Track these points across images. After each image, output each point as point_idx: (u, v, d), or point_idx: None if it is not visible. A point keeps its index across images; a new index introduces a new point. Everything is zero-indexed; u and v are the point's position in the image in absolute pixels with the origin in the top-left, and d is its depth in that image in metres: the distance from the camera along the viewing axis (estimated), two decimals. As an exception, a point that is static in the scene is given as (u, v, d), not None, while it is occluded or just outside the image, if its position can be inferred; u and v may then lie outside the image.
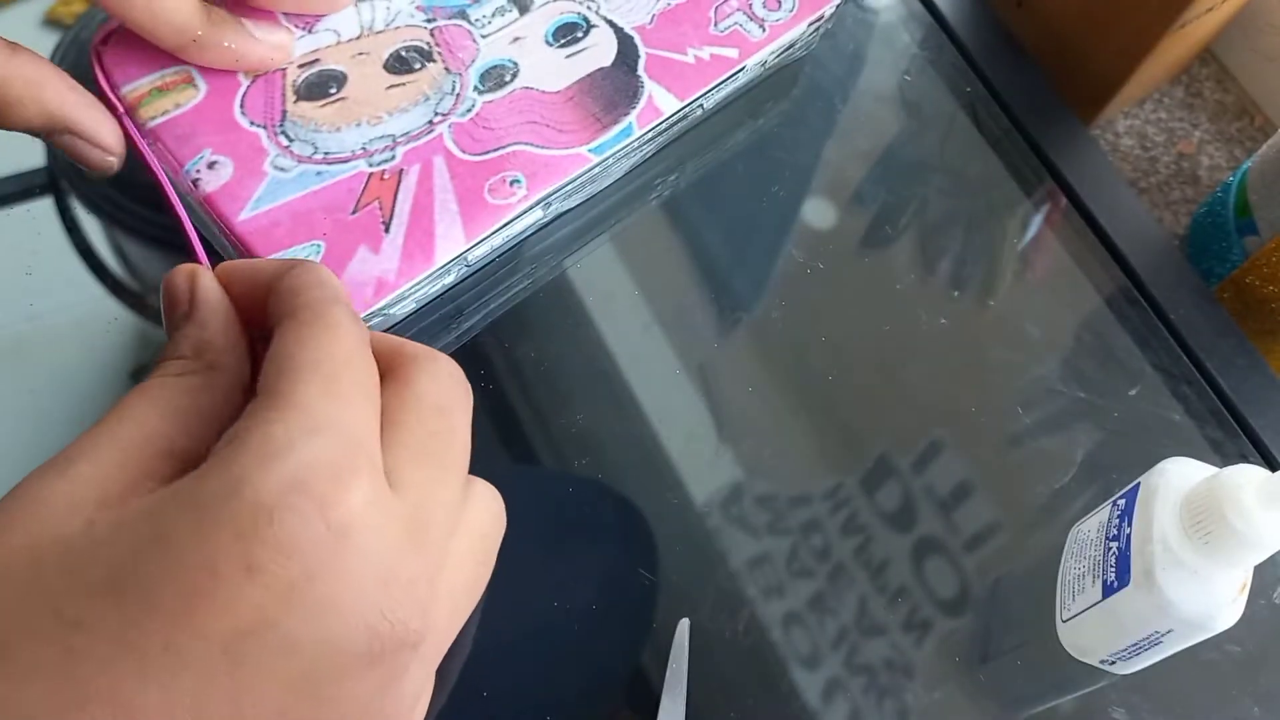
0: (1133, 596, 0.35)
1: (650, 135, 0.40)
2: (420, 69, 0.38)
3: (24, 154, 0.43)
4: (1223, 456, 0.45)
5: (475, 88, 0.38)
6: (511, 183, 0.37)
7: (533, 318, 0.43)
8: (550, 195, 0.38)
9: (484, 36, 0.39)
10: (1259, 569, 0.35)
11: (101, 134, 0.33)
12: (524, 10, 0.40)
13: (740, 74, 0.42)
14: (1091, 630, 0.38)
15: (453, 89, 0.38)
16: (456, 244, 0.36)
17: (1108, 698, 0.40)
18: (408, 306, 0.37)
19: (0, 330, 0.40)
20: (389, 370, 0.26)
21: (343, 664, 0.22)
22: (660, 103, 0.40)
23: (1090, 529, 0.39)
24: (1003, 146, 0.50)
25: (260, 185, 0.35)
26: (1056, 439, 0.44)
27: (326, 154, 0.36)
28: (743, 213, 0.46)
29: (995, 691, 0.40)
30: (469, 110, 0.38)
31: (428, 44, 0.39)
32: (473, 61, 0.39)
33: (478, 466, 0.28)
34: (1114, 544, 0.37)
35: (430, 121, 0.37)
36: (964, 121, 0.50)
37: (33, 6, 0.46)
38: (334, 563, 0.22)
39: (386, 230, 0.35)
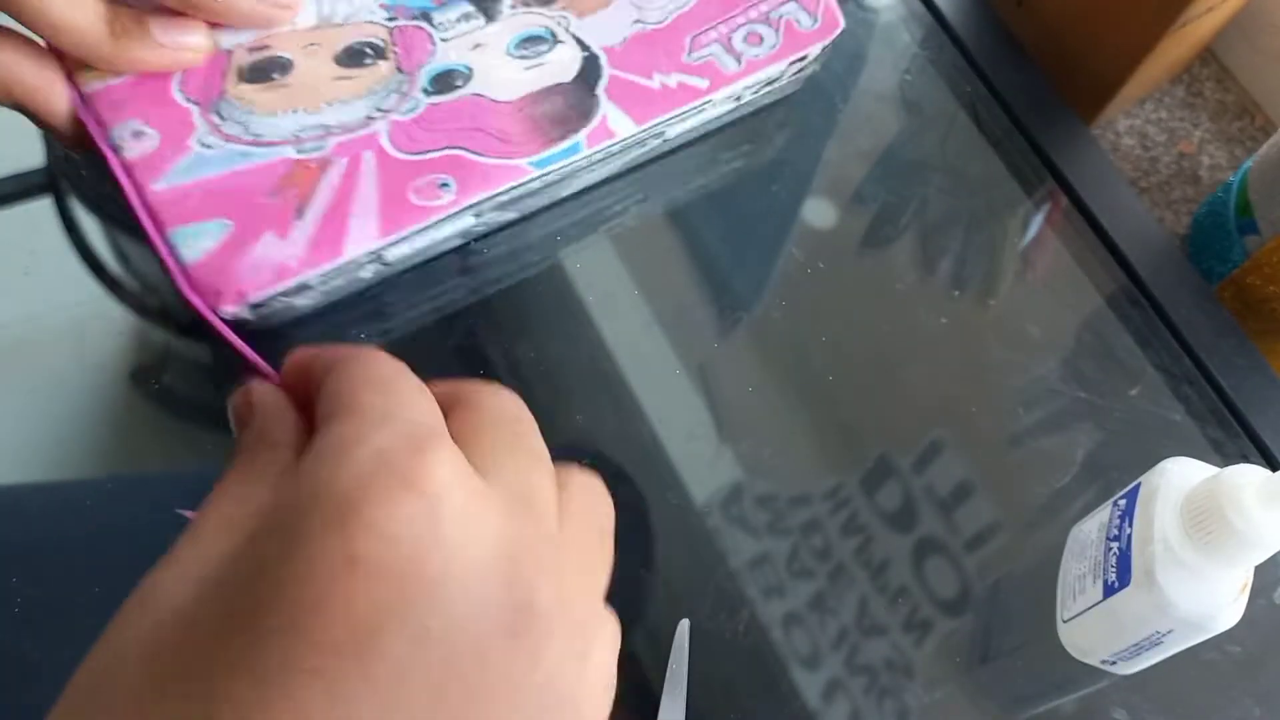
0: (1133, 596, 0.35)
1: (601, 156, 0.40)
2: (371, 65, 0.38)
3: (24, 154, 0.43)
4: (1223, 456, 0.45)
5: (424, 89, 0.38)
6: (440, 186, 0.37)
7: (533, 318, 0.43)
8: (480, 204, 0.38)
9: (444, 40, 0.39)
10: (1259, 569, 0.35)
11: (52, 106, 0.34)
12: (491, 18, 0.39)
13: (707, 106, 0.41)
14: (1092, 630, 0.38)
15: (399, 87, 0.38)
16: (368, 240, 0.36)
17: (1108, 698, 0.40)
18: (313, 298, 0.37)
19: (0, 330, 0.40)
20: (454, 405, 0.25)
21: (482, 644, 0.21)
22: (615, 124, 0.39)
23: (1091, 529, 0.39)
24: (1003, 146, 0.50)
25: (182, 159, 0.35)
26: (1056, 439, 0.44)
27: (256, 136, 0.36)
28: (743, 213, 0.46)
29: (995, 691, 0.40)
30: (412, 110, 0.37)
31: (384, 41, 0.38)
32: (426, 63, 0.38)
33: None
34: (1115, 544, 0.37)
35: (369, 117, 0.37)
36: (964, 121, 0.50)
37: None
38: (440, 537, 0.20)
39: (299, 217, 0.35)
